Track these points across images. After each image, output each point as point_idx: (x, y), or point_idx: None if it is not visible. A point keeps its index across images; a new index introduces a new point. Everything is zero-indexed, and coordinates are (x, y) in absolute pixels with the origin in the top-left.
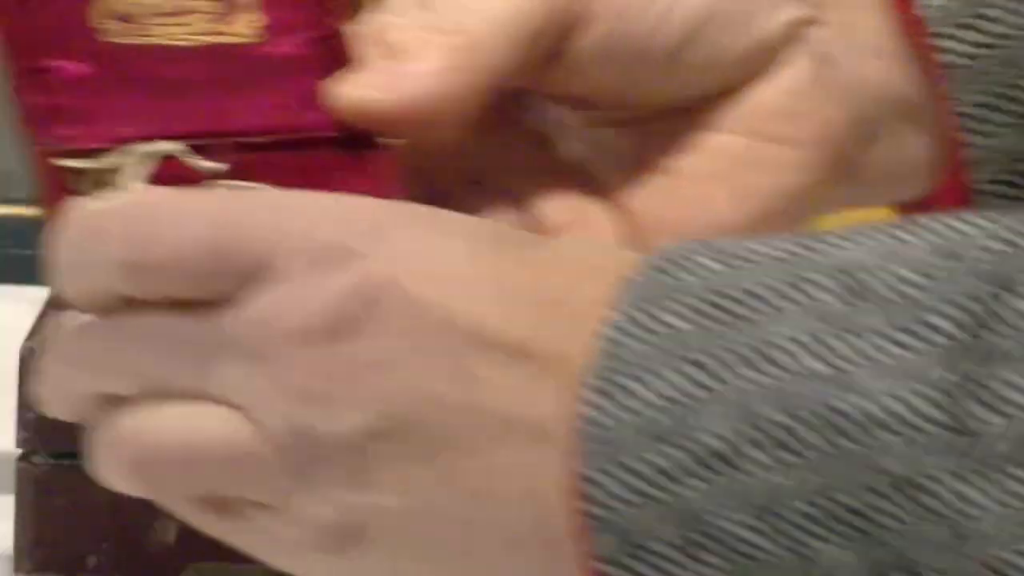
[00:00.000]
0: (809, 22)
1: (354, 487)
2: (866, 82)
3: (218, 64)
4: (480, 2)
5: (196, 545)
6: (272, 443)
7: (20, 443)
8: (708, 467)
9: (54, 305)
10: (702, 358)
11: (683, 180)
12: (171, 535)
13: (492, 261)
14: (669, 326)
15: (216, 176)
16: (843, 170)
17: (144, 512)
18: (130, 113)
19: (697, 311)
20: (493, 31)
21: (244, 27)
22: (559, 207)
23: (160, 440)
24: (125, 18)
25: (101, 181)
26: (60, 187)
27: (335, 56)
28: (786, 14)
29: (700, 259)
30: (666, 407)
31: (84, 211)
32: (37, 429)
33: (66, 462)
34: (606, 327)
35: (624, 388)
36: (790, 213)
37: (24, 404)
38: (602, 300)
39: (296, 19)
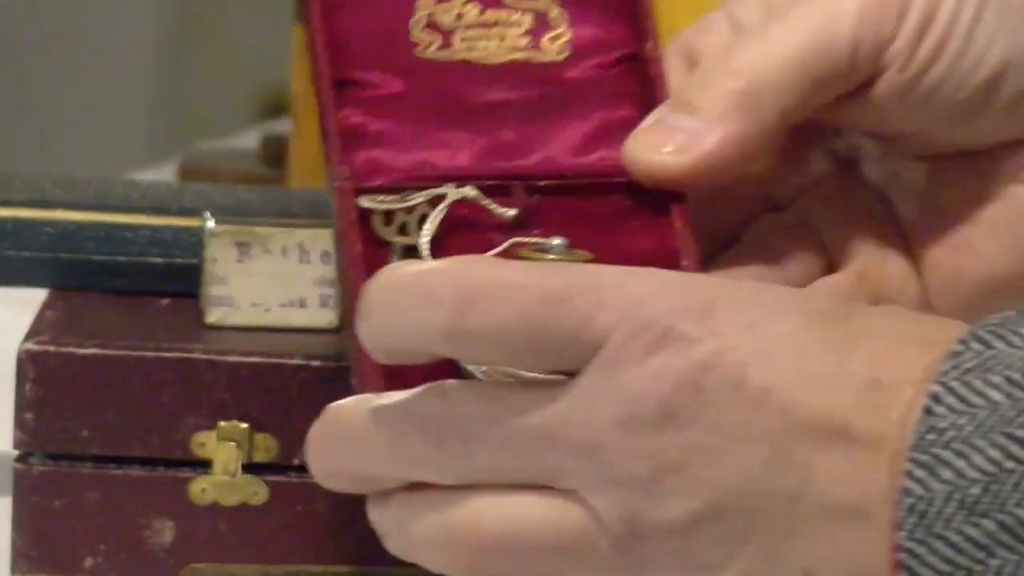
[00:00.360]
0: None
1: (681, 569)
2: None
3: (524, 86)
4: (765, 43)
5: (194, 546)
6: (602, 528)
7: (17, 445)
8: (1019, 538)
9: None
10: (1017, 432)
11: (974, 227)
12: (168, 536)
13: (818, 344)
14: (987, 399)
15: (506, 220)
16: None
17: (141, 513)
18: (434, 144)
19: (1012, 382)
20: (777, 73)
21: (551, 43)
22: (855, 241)
23: (497, 530)
24: (441, 30)
25: (400, 221)
26: (358, 225)
27: (639, 81)
28: None
29: (1021, 330)
30: (979, 479)
31: (407, 272)
32: (34, 431)
33: (63, 464)
34: (927, 400)
35: (943, 461)
36: None
37: (21, 406)
38: (922, 373)
39: (601, 36)
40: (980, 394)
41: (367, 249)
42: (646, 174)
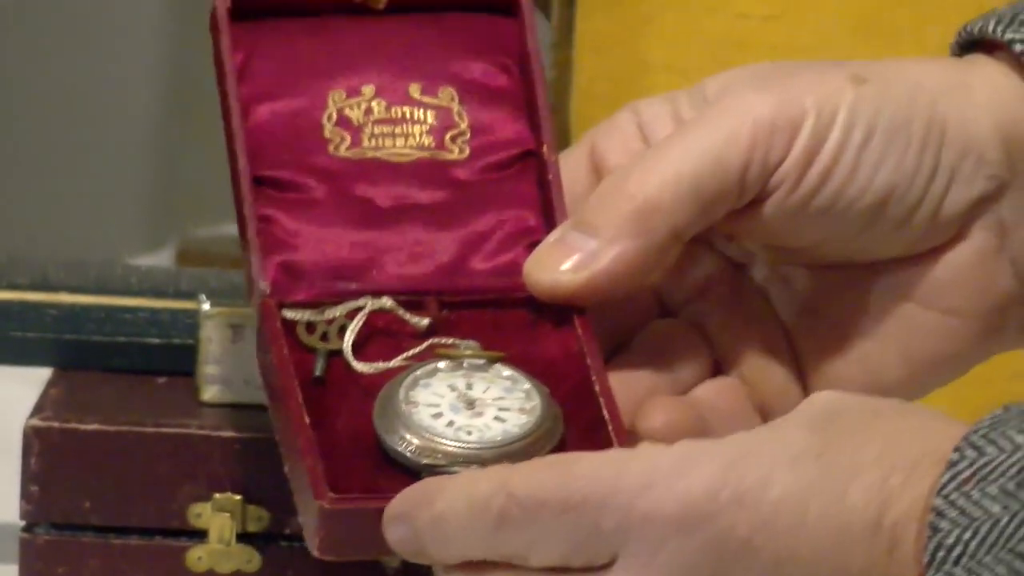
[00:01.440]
0: (997, 196)
1: None
2: None
3: (430, 186)
4: (660, 166)
5: None
6: None
7: (23, 515)
8: None
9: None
10: (1019, 547)
11: (860, 337)
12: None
13: (812, 497)
14: (986, 511)
15: (420, 330)
16: (1002, 327)
17: None
18: (349, 249)
19: (1008, 494)
20: (669, 196)
21: (452, 142)
22: (741, 345)
23: None
24: (351, 127)
25: (322, 331)
26: (283, 332)
27: (538, 181)
28: (979, 188)
29: (1010, 432)
30: None
31: (415, 501)
32: (39, 502)
33: (66, 534)
34: (932, 516)
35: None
36: (951, 375)
37: (26, 478)
38: (923, 494)
39: (499, 135)
40: (978, 505)
41: (294, 353)
42: (545, 292)
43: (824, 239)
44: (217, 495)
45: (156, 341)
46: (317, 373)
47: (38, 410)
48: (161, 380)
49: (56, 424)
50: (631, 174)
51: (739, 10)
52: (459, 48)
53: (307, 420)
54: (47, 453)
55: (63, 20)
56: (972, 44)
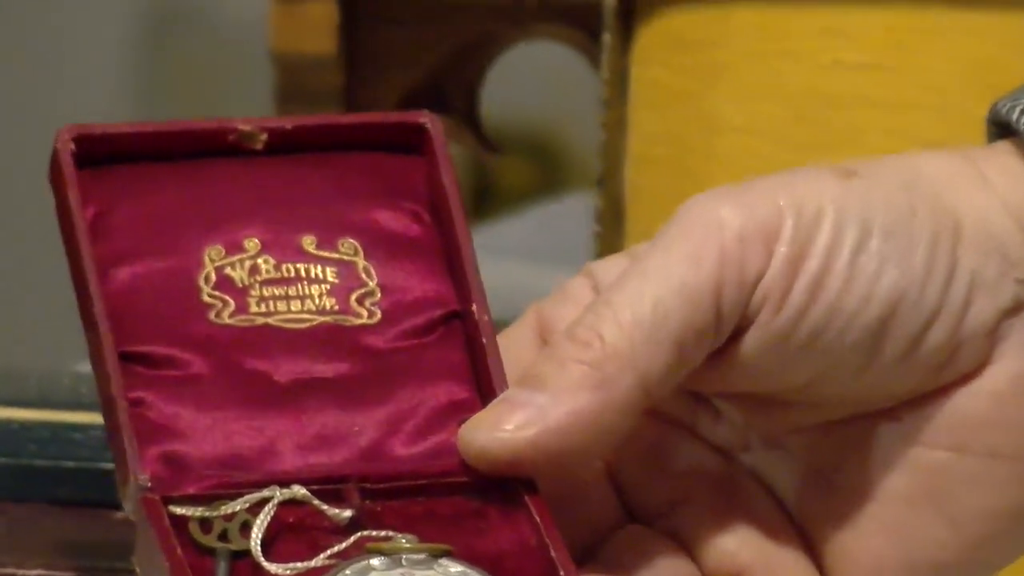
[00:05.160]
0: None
1: None
2: None
3: (336, 357)
4: (615, 305)
5: None
6: None
7: None
8: None
9: None
10: None
11: (880, 502)
12: None
13: None
14: None
15: (342, 523)
16: None
17: None
18: (243, 435)
19: None
20: (633, 336)
21: (359, 304)
22: (737, 552)
23: None
24: (234, 289)
25: (220, 528)
26: (173, 532)
27: (465, 346)
28: (1008, 294)
29: None
30: None
31: None
32: None
33: None
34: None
35: None
36: (1016, 532)
37: None
38: None
39: (416, 294)
40: None
41: (189, 556)
42: (481, 455)
43: (823, 375)
44: None
45: (111, 467)
46: None
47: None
48: (118, 514)
49: None
50: (582, 320)
51: (829, 58)
52: (357, 192)
53: None
54: None
55: None
56: (1002, 125)
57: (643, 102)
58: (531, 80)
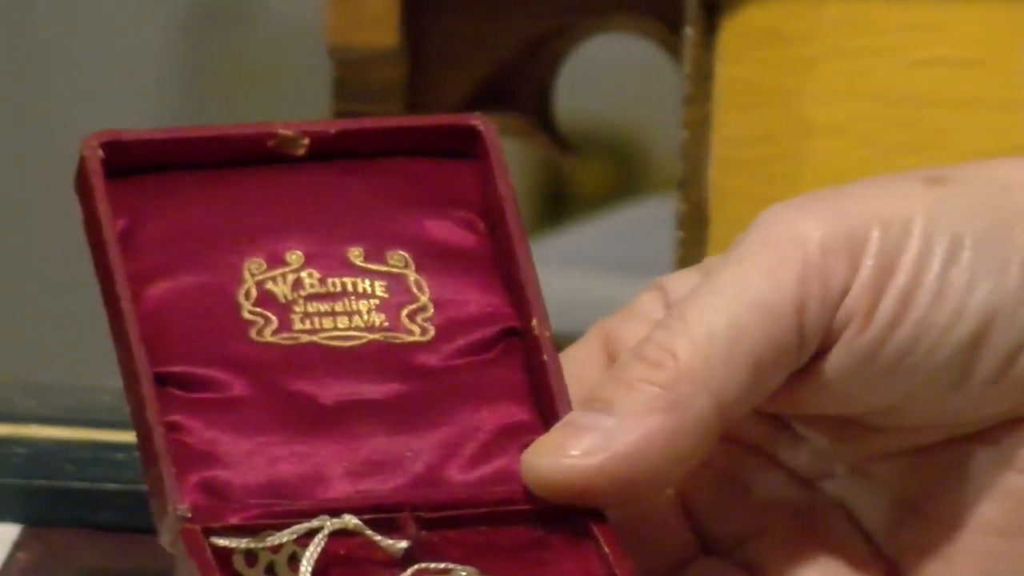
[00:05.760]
0: None
1: None
2: None
3: (387, 378)
4: (687, 321)
5: None
6: None
7: None
8: None
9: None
10: None
11: (971, 534)
12: None
13: None
14: None
15: (396, 555)
16: None
17: None
18: (288, 461)
19: None
20: (708, 355)
21: (410, 320)
22: None
23: None
24: (276, 305)
25: (267, 561)
26: (217, 564)
27: (525, 366)
28: None
29: None
30: None
31: None
32: None
33: None
34: None
35: None
36: None
37: None
38: None
39: (472, 310)
40: None
41: None
42: (544, 483)
43: (912, 396)
44: None
45: None
46: None
47: (5, 570)
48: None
49: None
50: (652, 338)
51: (926, 54)
52: (406, 201)
53: None
54: None
55: None
56: None
57: (728, 100)
58: (608, 76)
